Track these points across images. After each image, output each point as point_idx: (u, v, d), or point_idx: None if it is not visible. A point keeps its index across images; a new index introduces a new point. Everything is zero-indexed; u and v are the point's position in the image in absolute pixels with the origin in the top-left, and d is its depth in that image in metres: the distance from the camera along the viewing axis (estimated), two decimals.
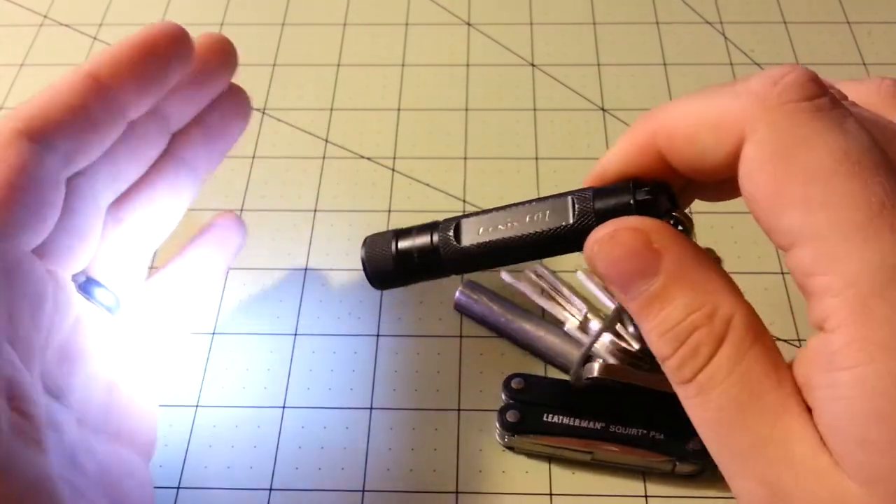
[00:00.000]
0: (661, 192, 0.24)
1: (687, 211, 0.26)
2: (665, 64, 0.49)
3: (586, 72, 0.49)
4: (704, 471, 0.33)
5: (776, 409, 0.21)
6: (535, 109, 0.47)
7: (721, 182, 0.24)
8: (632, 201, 0.24)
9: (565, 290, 0.38)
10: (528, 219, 0.26)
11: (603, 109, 0.47)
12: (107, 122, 0.28)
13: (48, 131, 0.27)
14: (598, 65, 0.49)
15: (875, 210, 0.19)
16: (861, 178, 0.20)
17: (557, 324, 0.37)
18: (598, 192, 0.25)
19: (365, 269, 0.29)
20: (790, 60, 0.49)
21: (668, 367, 0.23)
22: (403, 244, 0.28)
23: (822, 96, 0.21)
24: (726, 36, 0.51)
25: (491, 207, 0.27)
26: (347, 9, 0.53)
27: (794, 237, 0.20)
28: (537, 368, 0.37)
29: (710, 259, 0.23)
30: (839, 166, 0.20)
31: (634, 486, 0.34)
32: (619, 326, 0.36)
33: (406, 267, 0.28)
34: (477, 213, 0.27)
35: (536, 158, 0.45)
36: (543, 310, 0.38)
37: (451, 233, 0.27)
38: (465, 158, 0.45)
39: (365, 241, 0.29)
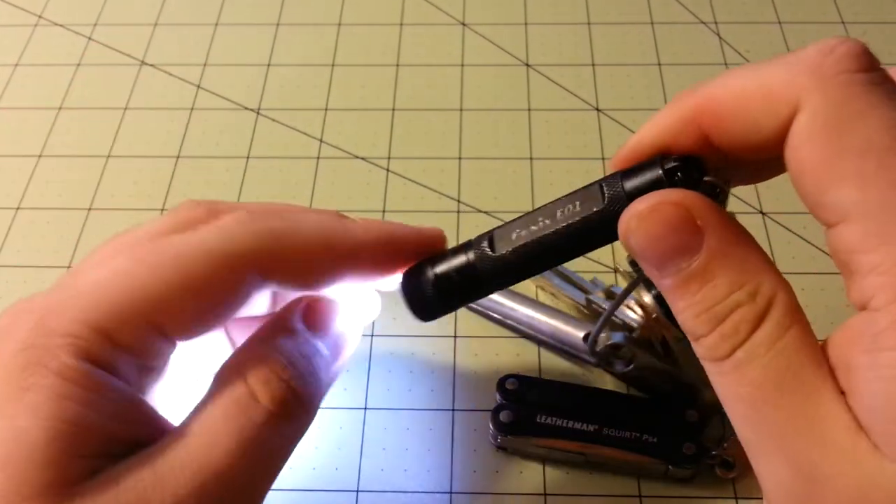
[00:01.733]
0: (692, 163, 0.23)
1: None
2: (660, 64, 0.49)
3: (581, 72, 0.49)
4: (697, 475, 0.34)
5: (812, 387, 0.20)
6: (529, 109, 0.47)
7: (762, 160, 0.23)
8: (660, 170, 0.23)
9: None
10: (559, 213, 0.25)
11: (597, 109, 0.47)
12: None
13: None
14: (593, 65, 0.49)
15: None
16: None
17: (572, 302, 0.37)
18: (626, 172, 0.24)
19: (407, 302, 0.28)
20: None
21: (702, 345, 0.22)
22: (440, 268, 0.27)
23: (875, 69, 0.21)
24: (721, 36, 0.51)
25: (525, 212, 0.26)
26: (342, 9, 0.53)
27: (842, 213, 0.20)
28: (532, 369, 0.37)
29: (751, 236, 0.22)
30: None
31: (629, 486, 0.34)
32: (642, 293, 0.36)
33: (447, 290, 0.27)
34: (509, 221, 0.26)
35: (531, 158, 0.45)
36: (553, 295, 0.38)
37: (485, 244, 0.26)
38: (460, 158, 0.45)
39: (405, 276, 0.28)
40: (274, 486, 0.33)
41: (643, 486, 0.34)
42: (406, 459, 0.35)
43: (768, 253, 0.40)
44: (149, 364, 0.26)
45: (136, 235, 0.26)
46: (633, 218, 0.22)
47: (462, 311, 0.39)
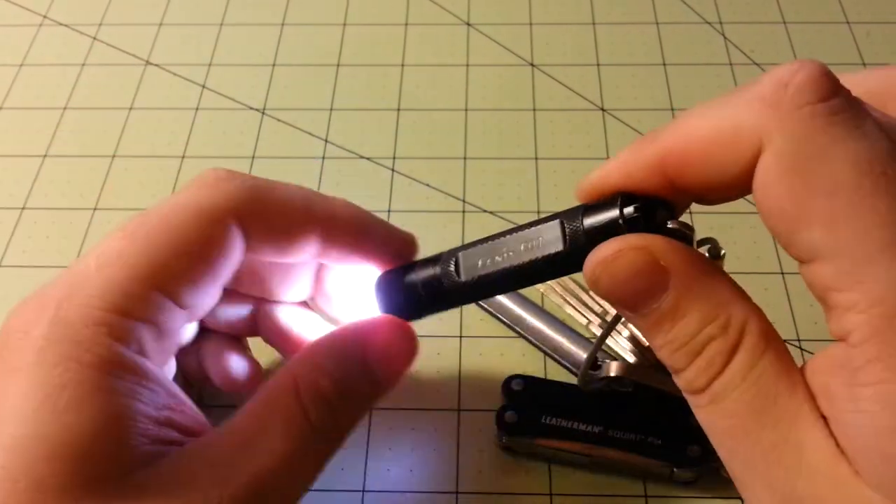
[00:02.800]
0: (652, 206, 0.23)
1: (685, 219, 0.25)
2: (665, 64, 0.49)
3: (586, 72, 0.49)
4: (702, 477, 0.33)
5: (790, 415, 0.20)
6: (534, 109, 0.47)
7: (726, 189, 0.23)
8: (621, 221, 0.23)
9: (584, 296, 0.38)
10: (522, 247, 0.25)
11: (602, 109, 0.47)
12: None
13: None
14: (598, 65, 0.49)
15: None
16: (887, 191, 0.19)
17: (577, 325, 0.37)
18: (587, 209, 0.24)
19: (379, 304, 0.30)
20: (790, 60, 0.48)
21: (681, 379, 0.23)
22: (409, 278, 0.29)
23: (836, 95, 0.20)
24: (726, 36, 0.51)
25: (489, 235, 0.27)
26: (347, 9, 0.53)
27: (814, 252, 0.20)
28: (537, 370, 0.37)
29: (717, 267, 0.23)
30: (863, 179, 0.19)
31: (634, 486, 0.34)
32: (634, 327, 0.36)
33: (414, 300, 0.29)
34: (476, 244, 0.27)
35: (536, 158, 0.45)
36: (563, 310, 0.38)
37: (451, 267, 0.27)
38: (465, 158, 0.45)
39: (378, 279, 0.30)
40: None
41: (649, 486, 0.34)
42: (412, 459, 0.35)
43: (770, 258, 0.40)
44: (168, 334, 0.27)
45: None
46: (597, 265, 0.23)
47: (468, 311, 0.39)
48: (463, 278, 0.27)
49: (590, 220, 0.24)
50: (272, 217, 0.28)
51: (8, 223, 0.43)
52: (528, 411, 0.34)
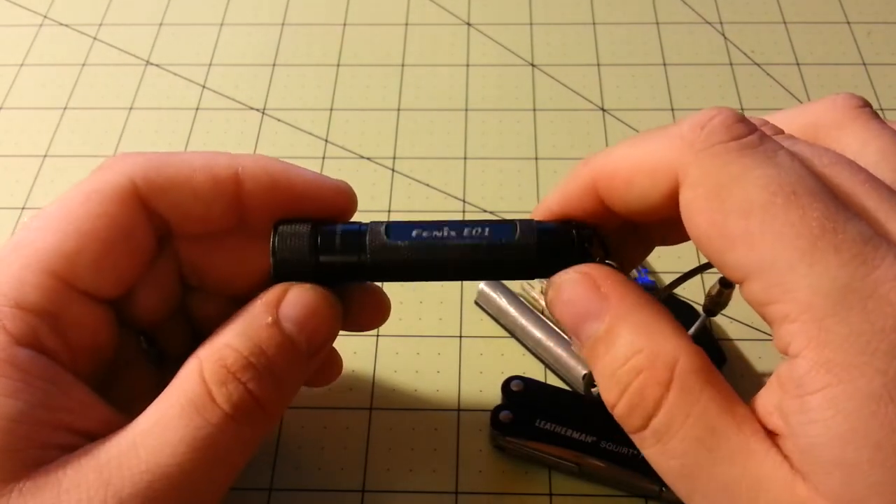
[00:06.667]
0: (597, 235, 0.26)
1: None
2: (665, 64, 0.49)
3: (586, 72, 0.49)
4: None
5: (743, 449, 0.21)
6: (534, 109, 0.47)
7: (671, 226, 0.25)
8: (574, 232, 0.26)
9: None
10: (466, 231, 0.26)
11: (603, 109, 0.47)
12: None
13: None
14: (598, 65, 0.49)
15: (817, 233, 0.20)
16: (798, 205, 0.20)
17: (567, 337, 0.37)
18: (541, 223, 0.26)
19: (274, 260, 0.26)
20: (790, 60, 0.49)
21: (617, 416, 0.23)
22: (325, 258, 0.26)
23: (748, 135, 0.22)
24: (726, 36, 0.51)
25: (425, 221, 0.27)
26: (347, 9, 0.53)
27: (743, 272, 0.21)
28: (538, 371, 0.37)
29: (658, 304, 0.24)
30: (775, 197, 0.20)
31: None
32: None
33: (328, 275, 0.26)
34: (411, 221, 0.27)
35: (536, 158, 0.45)
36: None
37: (382, 228, 0.26)
38: (465, 158, 0.45)
39: (275, 226, 0.27)
40: (280, 486, 0.34)
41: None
42: (411, 459, 0.35)
43: None
44: (76, 326, 0.25)
45: None
46: (549, 289, 0.25)
47: (468, 312, 0.39)
48: (391, 240, 0.26)
49: (543, 227, 0.26)
50: (173, 185, 0.26)
51: (8, 223, 0.43)
52: (523, 413, 0.34)
